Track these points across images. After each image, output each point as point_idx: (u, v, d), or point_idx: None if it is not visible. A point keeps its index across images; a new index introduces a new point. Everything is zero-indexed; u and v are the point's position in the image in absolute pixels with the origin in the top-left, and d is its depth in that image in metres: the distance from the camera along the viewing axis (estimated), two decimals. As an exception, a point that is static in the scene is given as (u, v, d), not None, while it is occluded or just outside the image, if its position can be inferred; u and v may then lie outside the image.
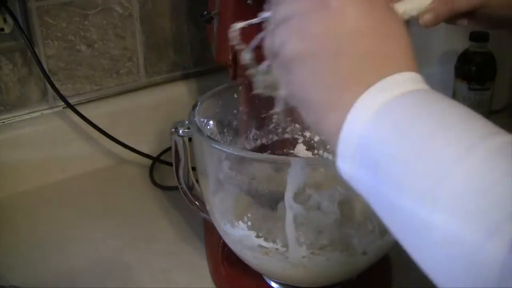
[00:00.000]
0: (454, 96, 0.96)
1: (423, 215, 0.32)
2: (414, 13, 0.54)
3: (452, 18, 0.57)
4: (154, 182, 0.90)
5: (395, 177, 0.34)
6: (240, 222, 0.56)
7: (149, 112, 0.98)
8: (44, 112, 0.91)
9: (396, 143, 0.34)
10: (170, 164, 0.92)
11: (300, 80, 0.41)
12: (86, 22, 0.90)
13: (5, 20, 0.83)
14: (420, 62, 1.17)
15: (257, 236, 0.55)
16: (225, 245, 0.62)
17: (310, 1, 0.41)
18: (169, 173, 0.90)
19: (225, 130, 0.68)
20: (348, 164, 0.37)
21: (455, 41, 1.03)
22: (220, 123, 0.66)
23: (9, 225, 0.80)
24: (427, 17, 0.56)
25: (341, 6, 0.40)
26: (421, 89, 0.37)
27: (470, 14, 0.57)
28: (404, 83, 0.37)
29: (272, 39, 0.43)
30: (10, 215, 0.83)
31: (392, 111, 0.36)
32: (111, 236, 0.78)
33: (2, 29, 0.84)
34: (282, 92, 0.44)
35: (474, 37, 0.94)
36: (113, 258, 0.73)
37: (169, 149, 0.96)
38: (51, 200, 0.86)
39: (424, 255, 0.33)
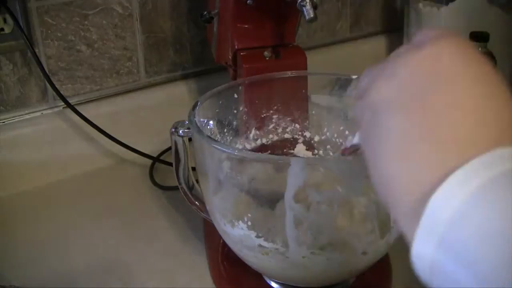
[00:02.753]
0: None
1: None
2: None
3: None
4: (154, 182, 0.90)
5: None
6: (240, 222, 0.56)
7: (149, 112, 0.98)
8: (44, 112, 0.91)
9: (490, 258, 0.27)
10: (170, 164, 0.92)
11: (377, 129, 0.34)
12: (86, 22, 0.90)
13: (5, 20, 0.83)
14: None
15: (257, 236, 0.55)
16: (225, 245, 0.62)
17: (406, 47, 0.35)
18: (169, 173, 0.90)
19: (225, 130, 0.68)
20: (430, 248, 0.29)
21: (455, 41, 1.03)
22: (220, 123, 0.67)
23: (9, 225, 0.80)
24: None
25: (436, 49, 0.33)
26: None
27: None
28: (503, 162, 0.29)
29: (363, 80, 0.38)
30: (10, 215, 0.83)
31: (492, 194, 0.28)
32: (111, 236, 0.78)
33: (2, 29, 0.84)
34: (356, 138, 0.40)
35: (474, 37, 0.94)
36: (113, 258, 0.73)
37: (169, 149, 0.96)
38: (51, 200, 0.86)
39: None
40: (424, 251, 0.29)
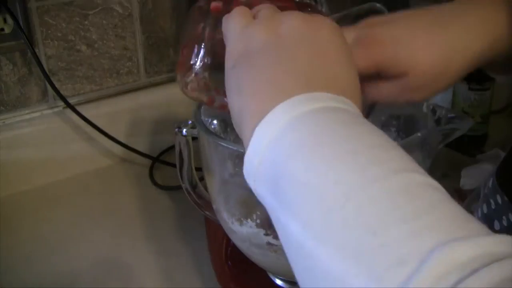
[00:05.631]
0: (454, 96, 0.96)
1: (310, 245, 0.30)
2: None
3: None
4: (154, 182, 0.90)
5: (289, 200, 0.32)
6: (249, 220, 0.56)
7: (149, 112, 0.97)
8: (44, 112, 0.90)
9: (294, 164, 0.33)
10: (170, 164, 0.92)
11: (237, 78, 0.40)
12: (86, 22, 0.90)
13: (5, 20, 0.83)
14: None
15: (266, 234, 0.55)
16: (228, 244, 0.62)
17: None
18: (169, 173, 0.90)
19: (228, 129, 0.68)
20: (252, 177, 0.36)
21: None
22: (223, 122, 0.66)
23: (10, 225, 0.80)
24: None
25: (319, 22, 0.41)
26: (339, 108, 0.36)
27: None
28: (322, 100, 0.36)
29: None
30: (11, 215, 0.82)
31: (299, 128, 0.34)
32: (111, 236, 0.77)
33: (2, 29, 0.83)
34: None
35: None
36: (113, 258, 0.73)
37: (169, 149, 0.96)
38: (51, 200, 0.86)
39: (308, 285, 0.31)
40: (250, 168, 0.36)
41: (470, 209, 0.57)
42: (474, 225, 0.29)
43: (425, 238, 0.27)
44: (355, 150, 0.32)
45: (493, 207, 0.51)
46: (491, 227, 0.51)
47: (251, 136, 0.36)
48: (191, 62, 0.51)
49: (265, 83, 0.38)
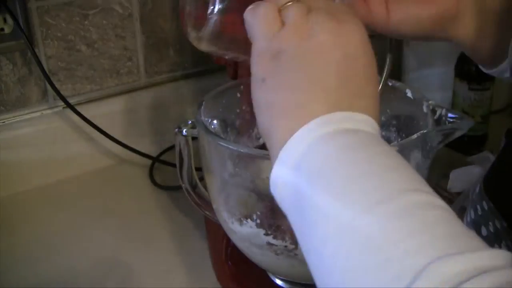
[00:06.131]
0: (454, 96, 0.96)
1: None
2: None
3: None
4: (154, 182, 0.90)
5: (307, 221, 0.35)
6: (249, 220, 0.56)
7: (149, 112, 0.97)
8: (44, 112, 0.90)
9: (313, 188, 0.35)
10: (170, 164, 0.92)
11: (267, 93, 0.41)
12: (86, 22, 0.90)
13: (5, 20, 0.83)
14: (420, 62, 1.17)
15: (266, 234, 0.55)
16: (228, 244, 0.62)
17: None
18: (169, 173, 0.90)
19: (228, 129, 0.68)
20: (277, 196, 0.38)
21: (454, 41, 1.03)
22: (223, 122, 0.66)
23: (9, 225, 0.80)
24: None
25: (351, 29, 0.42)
26: (360, 130, 0.37)
27: None
28: (343, 122, 0.37)
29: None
30: (10, 215, 0.82)
31: (318, 151, 0.36)
32: (111, 236, 0.77)
33: (2, 29, 0.83)
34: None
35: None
36: (113, 258, 0.73)
37: (169, 149, 0.96)
38: (51, 200, 0.86)
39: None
40: (279, 173, 0.37)
41: (456, 213, 0.57)
42: (469, 241, 0.31)
43: (419, 256, 0.29)
44: (366, 173, 0.35)
45: (479, 213, 0.52)
46: (478, 233, 0.52)
47: (277, 155, 0.38)
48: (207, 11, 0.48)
49: (295, 105, 0.39)
